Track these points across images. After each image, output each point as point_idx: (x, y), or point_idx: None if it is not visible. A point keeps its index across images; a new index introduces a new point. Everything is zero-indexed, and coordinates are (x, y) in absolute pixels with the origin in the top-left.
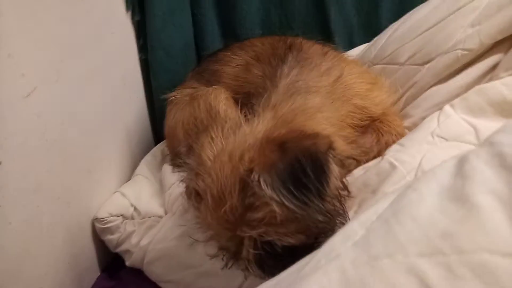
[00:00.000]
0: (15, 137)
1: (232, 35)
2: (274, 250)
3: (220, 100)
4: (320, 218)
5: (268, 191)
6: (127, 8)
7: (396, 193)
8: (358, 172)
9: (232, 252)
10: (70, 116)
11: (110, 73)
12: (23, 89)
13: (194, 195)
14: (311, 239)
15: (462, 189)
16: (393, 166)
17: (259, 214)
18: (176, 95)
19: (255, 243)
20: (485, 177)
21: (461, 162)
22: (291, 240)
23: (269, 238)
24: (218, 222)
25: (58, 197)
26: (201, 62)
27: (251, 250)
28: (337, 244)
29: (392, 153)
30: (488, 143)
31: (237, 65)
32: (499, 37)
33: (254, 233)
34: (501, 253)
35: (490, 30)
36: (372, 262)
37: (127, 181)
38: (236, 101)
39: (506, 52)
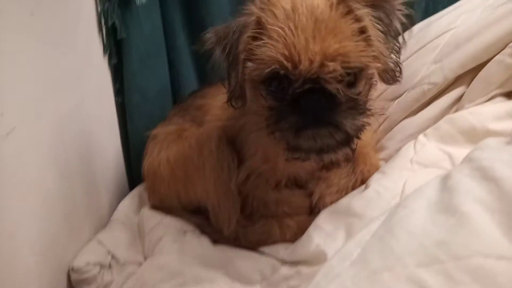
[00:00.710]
0: None
1: (208, 77)
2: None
3: (214, 139)
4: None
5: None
6: (105, 51)
7: (385, 214)
8: (341, 200)
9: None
10: (48, 158)
11: (88, 115)
12: (2, 129)
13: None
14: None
15: (449, 201)
16: (377, 192)
17: (351, 27)
18: (159, 132)
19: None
20: (469, 188)
21: (445, 179)
22: (361, 64)
23: (350, 59)
24: (303, 35)
25: (33, 244)
26: (183, 99)
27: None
28: (334, 265)
29: (375, 181)
30: (468, 159)
31: (223, 95)
32: (460, 71)
33: (341, 49)
34: (495, 256)
35: (451, 65)
36: (372, 276)
37: (104, 227)
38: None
39: (468, 85)
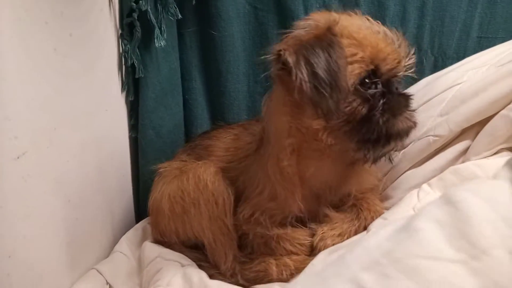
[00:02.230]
0: None
1: (220, 119)
2: None
3: (209, 173)
4: None
5: None
6: (123, 88)
7: None
8: (341, 243)
9: None
10: (55, 185)
11: (100, 148)
12: (14, 151)
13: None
14: None
15: (410, 222)
16: None
17: None
18: (166, 167)
19: None
20: (431, 212)
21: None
22: None
23: None
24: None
25: (31, 267)
26: (193, 139)
27: None
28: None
29: (376, 226)
30: (442, 195)
31: (228, 137)
32: (465, 125)
33: None
34: (432, 258)
35: (456, 119)
36: (321, 281)
37: (105, 258)
38: (225, 176)
39: (473, 138)
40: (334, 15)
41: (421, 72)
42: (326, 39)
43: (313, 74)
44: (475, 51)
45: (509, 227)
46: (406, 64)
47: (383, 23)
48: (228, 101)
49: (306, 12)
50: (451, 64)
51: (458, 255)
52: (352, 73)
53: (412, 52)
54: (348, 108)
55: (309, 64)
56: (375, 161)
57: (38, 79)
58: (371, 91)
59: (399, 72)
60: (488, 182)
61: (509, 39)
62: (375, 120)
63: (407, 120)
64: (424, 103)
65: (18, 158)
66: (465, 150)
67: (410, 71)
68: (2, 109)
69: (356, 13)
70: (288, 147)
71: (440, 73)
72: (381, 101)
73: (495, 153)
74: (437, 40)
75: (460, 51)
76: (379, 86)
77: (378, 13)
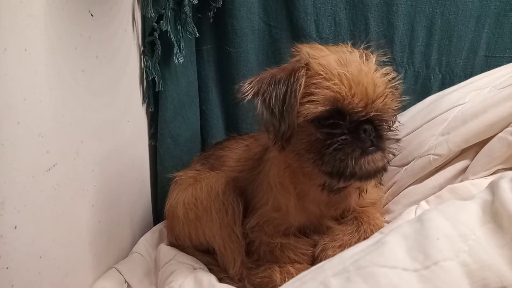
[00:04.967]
0: (32, 204)
1: (234, 129)
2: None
3: (221, 183)
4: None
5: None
6: (143, 101)
7: None
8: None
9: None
10: (81, 192)
11: (121, 156)
12: (45, 164)
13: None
14: None
15: (383, 237)
16: None
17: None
18: (181, 176)
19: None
20: (402, 228)
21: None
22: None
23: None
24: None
25: (58, 267)
26: (207, 149)
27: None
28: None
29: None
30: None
31: (239, 148)
32: (464, 146)
33: (385, 89)
34: (389, 266)
35: (456, 139)
36: (301, 284)
37: (125, 258)
38: (236, 186)
39: (472, 158)
40: (314, 52)
41: (428, 89)
42: (291, 76)
43: (265, 102)
44: (483, 69)
45: (464, 242)
46: (383, 106)
47: (392, 42)
48: (242, 112)
49: (318, 30)
50: (459, 81)
51: (412, 265)
52: (302, 112)
53: (394, 93)
54: (305, 140)
55: (263, 94)
56: (330, 192)
57: (68, 97)
58: (328, 130)
59: (369, 115)
60: (457, 203)
61: None
62: (327, 156)
63: (365, 164)
64: (428, 121)
65: (49, 170)
66: (464, 169)
67: (388, 113)
68: (37, 127)
69: (346, 47)
70: (283, 162)
71: (444, 92)
72: (337, 141)
73: (492, 173)
74: (444, 58)
75: (468, 69)
76: (343, 126)
77: (387, 32)
